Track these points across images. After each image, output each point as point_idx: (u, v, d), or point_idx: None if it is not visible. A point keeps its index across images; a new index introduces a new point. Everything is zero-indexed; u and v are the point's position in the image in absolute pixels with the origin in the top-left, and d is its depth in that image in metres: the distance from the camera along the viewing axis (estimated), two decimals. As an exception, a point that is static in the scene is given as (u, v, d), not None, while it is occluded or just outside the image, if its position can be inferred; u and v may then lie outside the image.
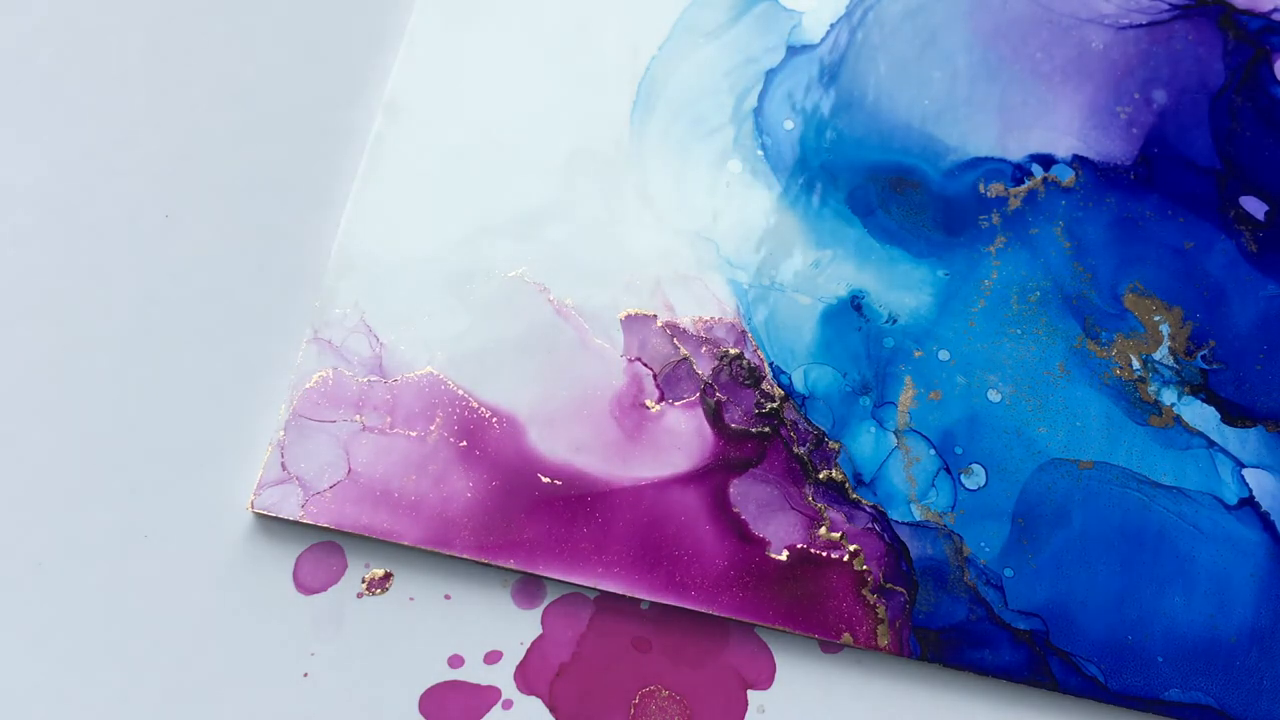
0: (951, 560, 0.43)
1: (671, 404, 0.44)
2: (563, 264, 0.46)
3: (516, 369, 0.45)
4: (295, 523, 0.43)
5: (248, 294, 0.46)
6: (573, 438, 0.44)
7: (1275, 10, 0.49)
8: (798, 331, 0.45)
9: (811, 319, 0.45)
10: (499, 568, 0.43)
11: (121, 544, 0.43)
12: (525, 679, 0.42)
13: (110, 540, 0.43)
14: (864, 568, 0.43)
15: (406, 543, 0.43)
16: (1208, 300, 0.46)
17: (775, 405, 0.44)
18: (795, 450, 0.44)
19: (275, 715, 0.42)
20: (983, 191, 0.47)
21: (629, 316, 0.45)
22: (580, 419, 0.44)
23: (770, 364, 0.45)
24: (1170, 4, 0.49)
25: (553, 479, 0.44)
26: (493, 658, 0.43)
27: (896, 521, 0.43)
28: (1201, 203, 0.47)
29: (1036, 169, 0.47)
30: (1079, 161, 0.47)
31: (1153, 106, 0.48)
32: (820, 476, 0.44)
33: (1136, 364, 0.45)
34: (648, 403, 0.44)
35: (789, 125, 0.48)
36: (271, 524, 0.44)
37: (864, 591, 0.43)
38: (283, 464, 0.43)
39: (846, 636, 0.42)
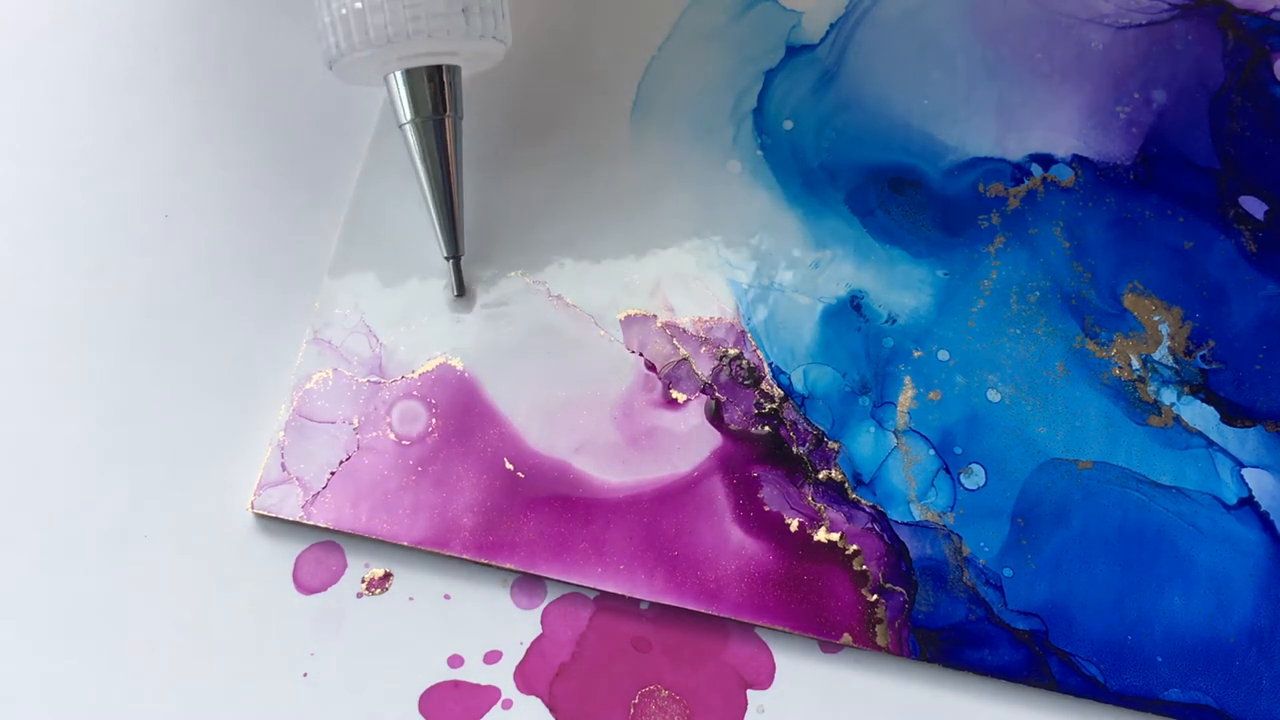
0: (951, 560, 0.43)
1: (696, 397, 0.44)
2: (562, 264, 0.46)
3: (516, 369, 0.45)
4: (295, 523, 0.43)
5: (248, 294, 0.46)
6: (573, 438, 0.44)
7: (1275, 10, 0.49)
8: (797, 331, 0.45)
9: (811, 319, 0.45)
10: (498, 568, 0.43)
11: (121, 544, 0.43)
12: (525, 679, 0.42)
13: (110, 540, 0.43)
14: (864, 568, 0.43)
15: (406, 543, 0.43)
16: (1207, 300, 0.46)
17: (775, 405, 0.44)
18: (795, 450, 0.44)
19: (275, 715, 0.42)
20: (982, 191, 0.47)
21: (629, 316, 0.45)
22: (580, 419, 0.44)
23: (770, 364, 0.45)
24: (1170, 4, 0.49)
25: (552, 478, 0.44)
26: (492, 657, 0.43)
27: (896, 521, 0.43)
28: (1201, 202, 0.47)
29: (1036, 169, 0.47)
30: (1078, 161, 0.47)
31: (1152, 106, 0.48)
32: (820, 476, 0.44)
33: (1136, 364, 0.45)
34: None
35: (789, 125, 0.48)
36: (271, 524, 0.44)
37: (864, 591, 0.43)
38: (283, 464, 0.43)
39: (846, 636, 0.42)
